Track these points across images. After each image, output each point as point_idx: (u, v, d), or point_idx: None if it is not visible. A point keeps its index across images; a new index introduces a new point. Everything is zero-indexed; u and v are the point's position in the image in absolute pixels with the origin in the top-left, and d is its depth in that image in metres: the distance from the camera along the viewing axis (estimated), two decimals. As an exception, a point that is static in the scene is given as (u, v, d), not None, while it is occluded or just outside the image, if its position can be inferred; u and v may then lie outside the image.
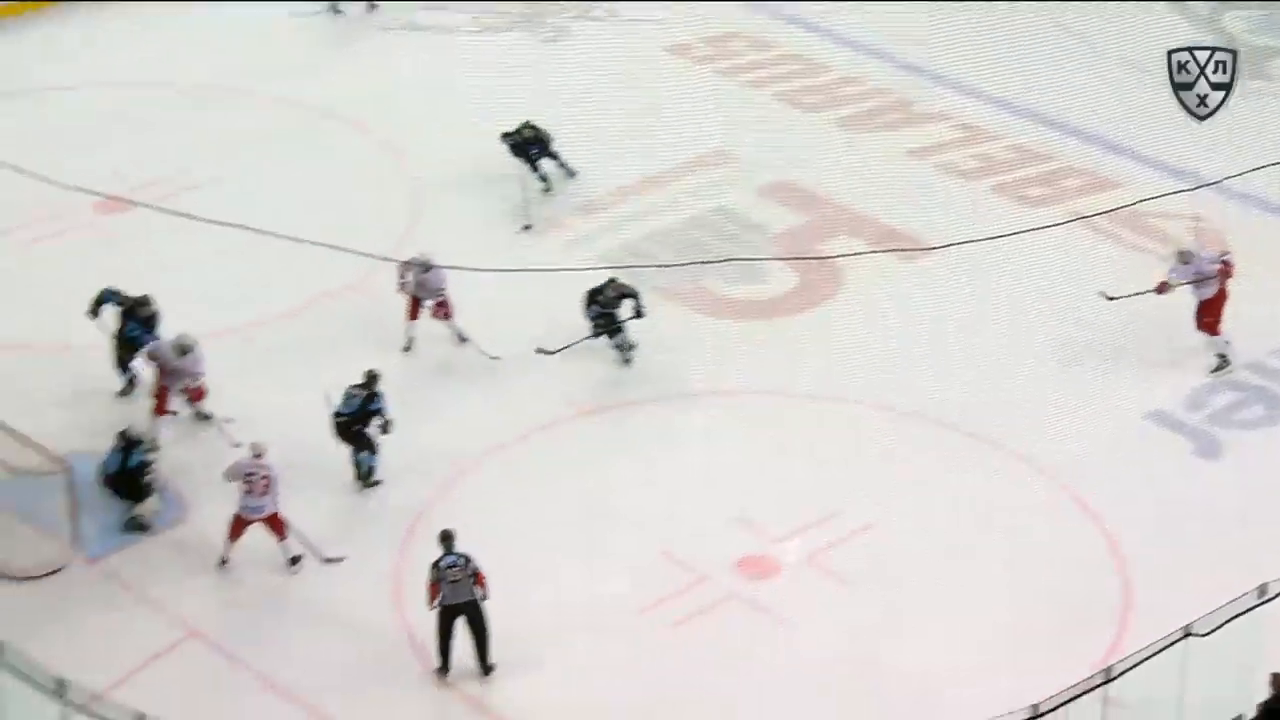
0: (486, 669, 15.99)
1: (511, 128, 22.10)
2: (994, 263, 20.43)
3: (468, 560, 15.82)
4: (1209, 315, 19.49)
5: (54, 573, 17.21)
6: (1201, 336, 19.52)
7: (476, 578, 15.82)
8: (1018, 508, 17.94)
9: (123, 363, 19.11)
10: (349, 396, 18.01)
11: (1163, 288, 19.45)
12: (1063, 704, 14.12)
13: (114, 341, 19.08)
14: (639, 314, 19.60)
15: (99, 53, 25.12)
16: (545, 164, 22.35)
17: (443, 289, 19.71)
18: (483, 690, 15.99)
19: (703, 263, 20.79)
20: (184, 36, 25.50)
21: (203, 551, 17.39)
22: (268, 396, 18.95)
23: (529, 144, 22.18)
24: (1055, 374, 19.37)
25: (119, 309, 19.10)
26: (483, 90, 24.10)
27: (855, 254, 20.94)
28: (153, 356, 18.69)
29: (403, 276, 19.67)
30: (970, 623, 16.65)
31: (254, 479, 16.93)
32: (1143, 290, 19.38)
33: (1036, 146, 23.32)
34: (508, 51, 25.36)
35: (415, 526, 17.64)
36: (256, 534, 17.15)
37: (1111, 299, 19.49)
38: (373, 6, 26.48)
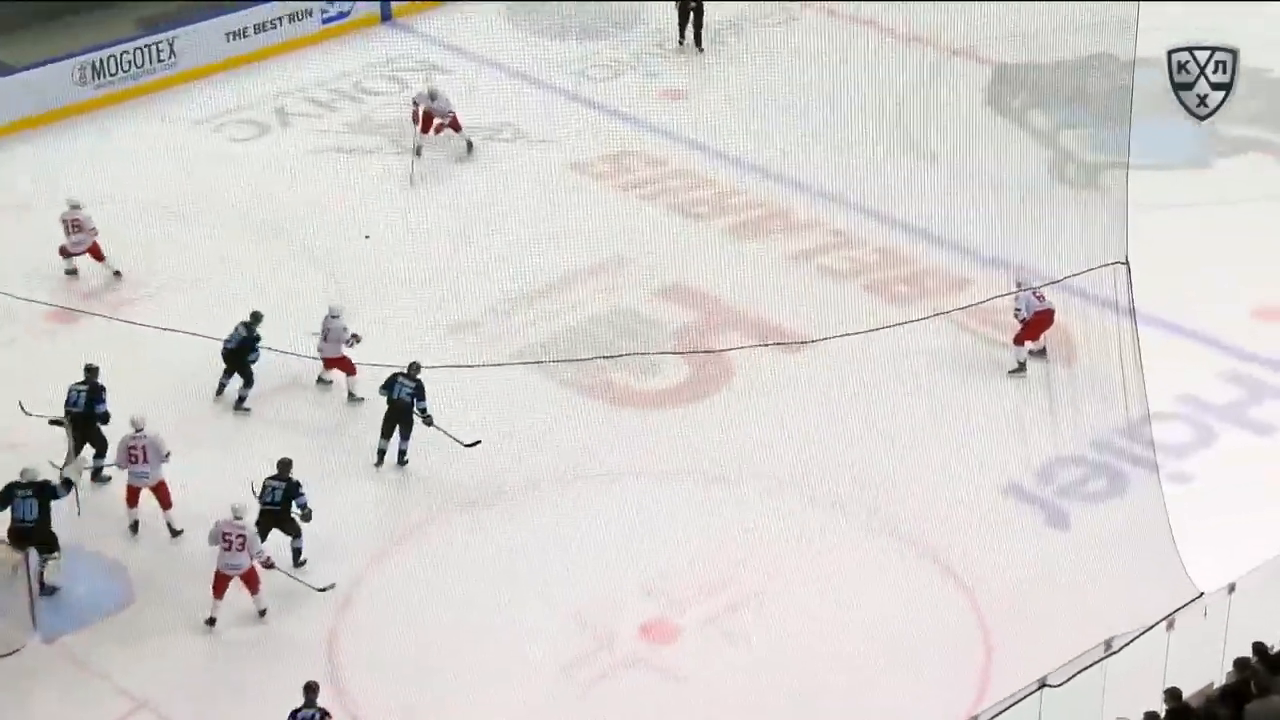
0: None
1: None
2: (869, 352, 20.68)
3: (324, 715, 15.35)
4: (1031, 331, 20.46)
5: (12, 653, 16.99)
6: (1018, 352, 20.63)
7: None
8: (888, 575, 18.10)
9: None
10: (269, 489, 17.79)
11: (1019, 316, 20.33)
12: (933, 752, 14.30)
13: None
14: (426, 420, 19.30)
15: (52, 175, 24.88)
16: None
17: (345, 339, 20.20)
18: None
19: (605, 357, 20.94)
20: (114, 161, 25.25)
21: (147, 631, 17.24)
22: (201, 483, 18.83)
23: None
24: (922, 453, 19.55)
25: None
26: (391, 205, 24.25)
27: (742, 347, 21.13)
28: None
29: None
30: (846, 680, 16.79)
31: (231, 536, 16.93)
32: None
33: (900, 250, 23.63)
34: (425, 170, 25.39)
35: (345, 606, 17.61)
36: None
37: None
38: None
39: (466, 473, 19.36)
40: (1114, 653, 15.10)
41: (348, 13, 28.98)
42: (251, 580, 17.18)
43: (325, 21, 28.80)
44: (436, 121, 25.35)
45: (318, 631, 17.26)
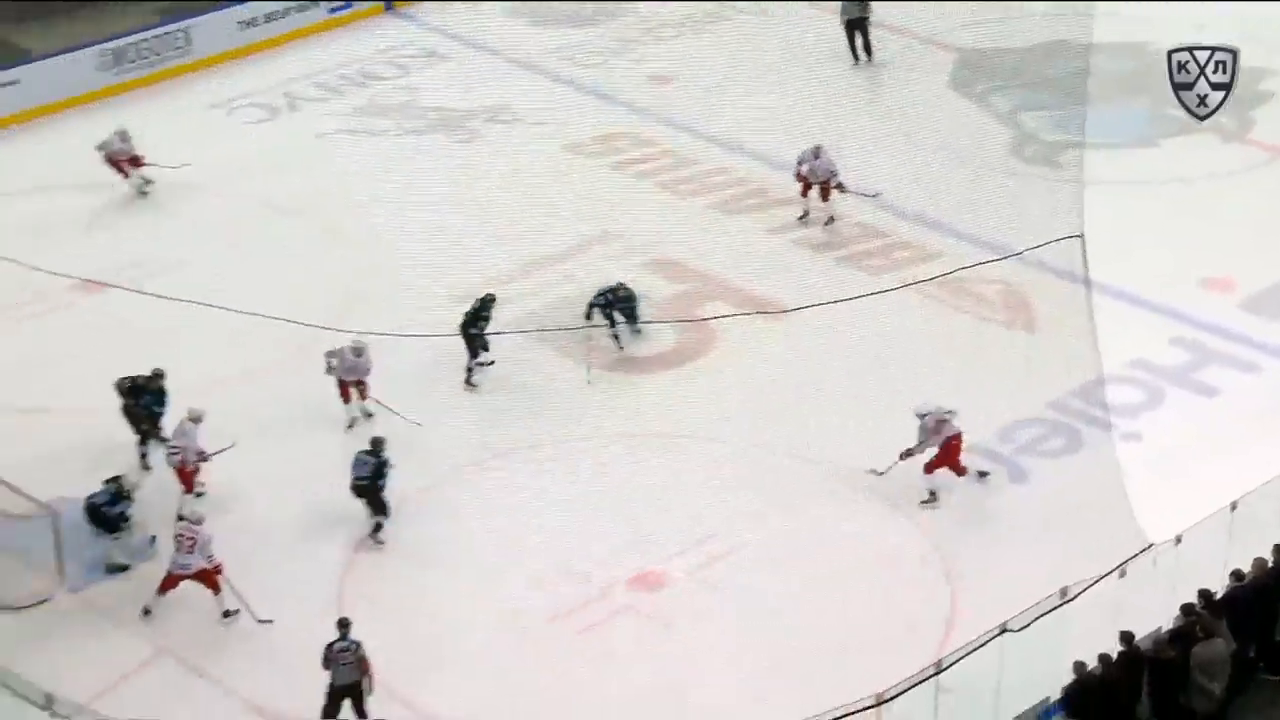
0: None
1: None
2: (842, 321, 20.62)
3: (358, 646, 15.25)
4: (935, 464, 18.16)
5: (41, 603, 16.98)
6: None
7: (362, 664, 15.23)
8: (862, 528, 18.15)
9: (143, 436, 18.57)
10: (361, 462, 17.58)
11: (906, 455, 18.13)
12: (901, 692, 14.31)
13: (130, 417, 18.52)
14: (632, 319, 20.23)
15: (62, 160, 24.74)
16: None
17: (367, 370, 19.18)
18: (413, 691, 15.91)
19: (595, 325, 20.88)
20: (137, 143, 24.91)
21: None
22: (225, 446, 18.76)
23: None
24: (891, 414, 19.53)
25: (130, 387, 18.53)
26: (408, 183, 24.11)
27: (724, 316, 21.09)
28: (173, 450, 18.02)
29: (329, 362, 19.21)
30: (823, 624, 16.83)
31: (181, 539, 16.55)
32: (899, 460, 18.42)
33: (874, 224, 23.61)
34: (429, 151, 25.35)
35: (354, 558, 17.59)
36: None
37: (880, 474, 18.45)
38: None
39: (466, 435, 19.36)
40: (1070, 599, 15.15)
41: (351, 3, 28.85)
42: (208, 580, 16.66)
43: (332, 11, 28.72)
44: (817, 185, 23.00)
45: (327, 578, 17.24)
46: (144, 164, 23.53)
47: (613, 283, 20.63)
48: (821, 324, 20.67)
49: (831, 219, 23.31)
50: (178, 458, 18.02)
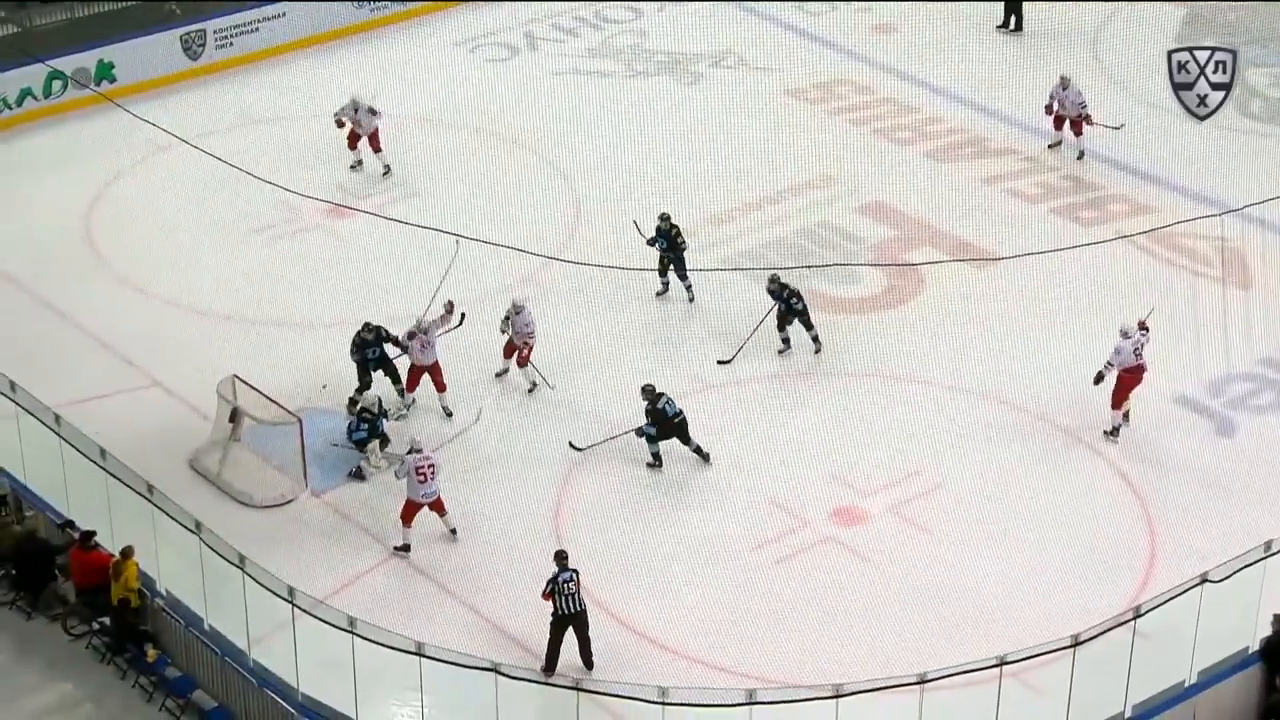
0: (590, 665, 15.30)
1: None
2: (1051, 271, 20.13)
3: (577, 574, 15.19)
4: (1120, 393, 17.50)
5: (286, 503, 17.54)
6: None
7: (584, 591, 15.18)
8: (1065, 474, 17.74)
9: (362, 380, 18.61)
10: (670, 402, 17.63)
11: (1099, 379, 17.48)
12: (1099, 634, 14.00)
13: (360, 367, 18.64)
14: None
15: (318, 90, 25.33)
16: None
17: (529, 332, 18.69)
18: (623, 608, 16.07)
19: (809, 266, 20.70)
20: (385, 77, 25.26)
21: (402, 492, 17.57)
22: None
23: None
24: (1098, 363, 19.01)
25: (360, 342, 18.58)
26: (634, 123, 24.14)
27: (935, 262, 20.72)
28: (403, 346, 18.46)
29: (505, 321, 18.83)
30: (1022, 566, 16.52)
31: (424, 468, 16.60)
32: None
33: (1087, 176, 22.94)
34: (655, 93, 25.35)
35: (570, 474, 17.81)
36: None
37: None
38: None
39: (677, 369, 19.32)
40: (1273, 554, 14.61)
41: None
42: (439, 505, 16.84)
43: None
44: (1069, 118, 22.67)
45: (543, 500, 17.44)
46: (380, 148, 22.53)
47: (795, 289, 19.21)
48: (1032, 273, 20.14)
49: (1082, 154, 22.80)
50: (405, 355, 18.40)
